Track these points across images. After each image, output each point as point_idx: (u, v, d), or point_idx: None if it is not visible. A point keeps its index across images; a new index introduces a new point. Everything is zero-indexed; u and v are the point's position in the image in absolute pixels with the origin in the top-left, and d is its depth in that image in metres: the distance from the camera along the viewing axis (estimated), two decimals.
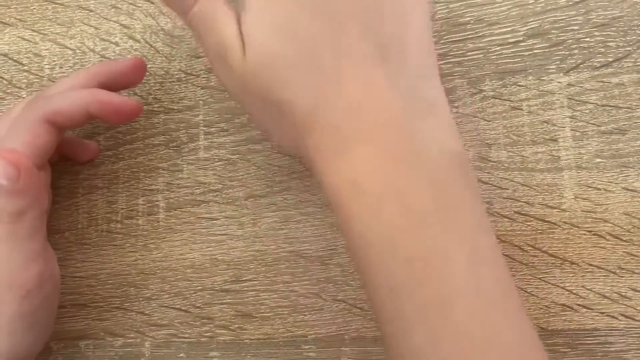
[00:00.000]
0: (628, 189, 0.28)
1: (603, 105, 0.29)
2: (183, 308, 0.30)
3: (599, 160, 0.28)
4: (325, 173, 0.21)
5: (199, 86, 0.31)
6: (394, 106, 0.21)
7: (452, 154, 0.22)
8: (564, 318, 0.28)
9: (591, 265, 0.28)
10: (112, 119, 0.28)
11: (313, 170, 0.22)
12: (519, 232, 0.28)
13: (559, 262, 0.28)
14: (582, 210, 0.28)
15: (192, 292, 0.30)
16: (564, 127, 0.29)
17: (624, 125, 0.28)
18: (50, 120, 0.26)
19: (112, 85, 0.29)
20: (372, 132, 0.21)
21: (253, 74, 0.21)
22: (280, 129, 0.23)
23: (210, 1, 0.22)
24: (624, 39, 0.29)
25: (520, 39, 0.29)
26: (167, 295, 0.30)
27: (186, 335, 0.30)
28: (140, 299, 0.30)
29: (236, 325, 0.29)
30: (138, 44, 0.32)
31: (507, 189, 0.29)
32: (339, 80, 0.21)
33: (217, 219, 0.30)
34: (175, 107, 0.31)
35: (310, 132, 0.21)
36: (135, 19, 0.32)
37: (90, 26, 0.33)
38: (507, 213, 0.29)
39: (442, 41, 0.30)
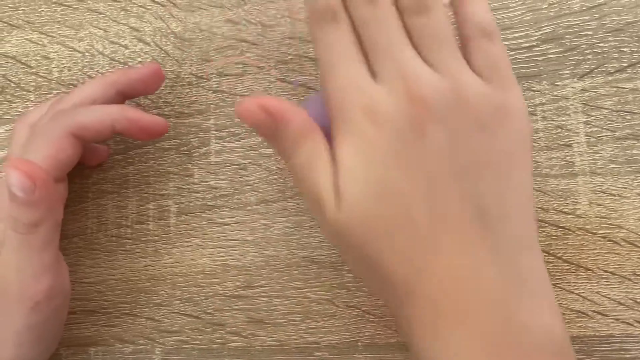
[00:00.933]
0: None
1: (617, 111, 0.29)
2: (194, 314, 0.30)
3: (613, 165, 0.28)
4: (422, 348, 0.20)
5: (210, 90, 0.31)
6: (494, 283, 0.20)
7: (552, 339, 0.20)
8: (579, 324, 0.27)
9: (606, 271, 0.28)
10: (138, 137, 0.28)
11: (408, 339, 0.21)
12: None
13: (574, 268, 0.28)
14: (596, 216, 0.28)
15: (203, 298, 0.30)
16: (579, 132, 0.29)
17: (638, 130, 0.28)
18: (76, 134, 0.26)
19: (130, 92, 0.29)
20: (470, 313, 0.20)
21: (347, 229, 0.21)
22: (374, 284, 0.22)
23: (311, 148, 0.22)
24: (638, 44, 0.29)
25: (534, 43, 0.29)
26: (178, 301, 0.30)
27: (197, 342, 0.29)
28: (151, 305, 0.30)
29: (248, 332, 0.29)
30: (148, 47, 0.32)
31: None
32: (436, 248, 0.20)
33: (229, 224, 0.30)
34: (186, 111, 0.31)
35: (406, 301, 0.20)
36: (145, 22, 0.32)
37: (100, 29, 0.32)
38: None
39: None
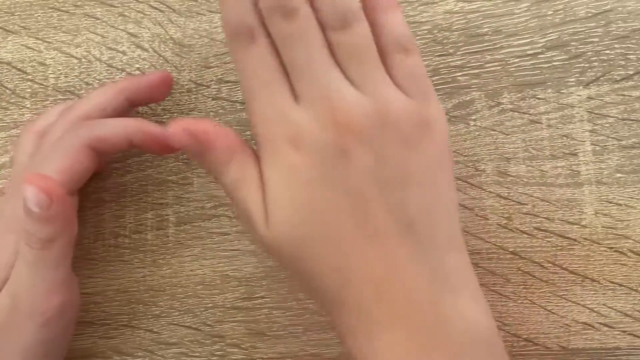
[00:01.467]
0: None
1: (624, 119, 0.28)
2: (193, 326, 0.29)
3: (619, 175, 0.28)
4: (359, 355, 0.21)
5: (209, 97, 0.31)
6: (420, 286, 0.21)
7: (479, 331, 0.21)
8: (585, 337, 0.27)
9: (612, 282, 0.27)
10: (154, 151, 0.28)
11: (343, 345, 0.22)
12: (538, 249, 0.28)
13: (580, 279, 0.27)
14: (602, 227, 0.28)
15: (202, 309, 0.29)
16: (584, 141, 0.28)
17: None
18: (93, 147, 0.26)
19: (139, 99, 0.29)
20: (399, 316, 0.21)
21: (276, 246, 0.21)
22: (312, 296, 0.23)
23: (239, 169, 0.22)
24: None
25: (539, 50, 0.29)
26: (177, 313, 0.29)
27: (196, 354, 0.29)
28: (149, 316, 0.29)
29: (248, 344, 0.29)
30: (146, 53, 0.31)
31: (527, 205, 0.28)
32: (363, 258, 0.21)
33: (229, 234, 0.29)
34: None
35: (340, 310, 0.21)
36: (143, 28, 0.32)
37: (97, 34, 0.32)
38: (526, 229, 0.28)
39: (459, 52, 0.29)
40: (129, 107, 0.29)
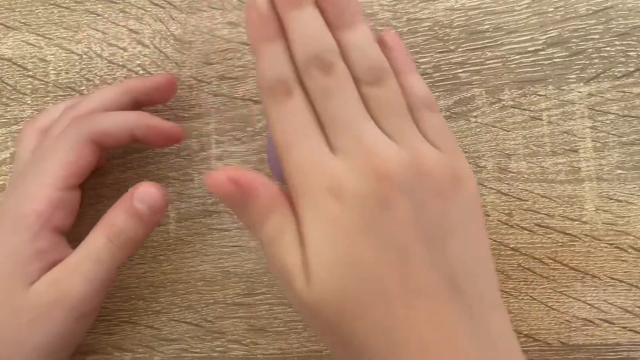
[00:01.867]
0: None
1: (624, 116, 0.28)
2: (194, 322, 0.29)
3: (620, 171, 0.28)
4: None
5: (210, 93, 0.31)
6: (470, 349, 0.20)
7: None
8: (585, 333, 0.27)
9: (613, 278, 0.27)
10: (156, 143, 0.28)
11: None
12: (539, 245, 0.28)
13: (580, 275, 0.27)
14: (603, 223, 0.28)
15: (203, 305, 0.29)
16: (585, 137, 0.28)
17: None
18: (96, 141, 0.26)
19: (144, 100, 0.29)
20: None
21: (319, 307, 0.20)
22: (350, 357, 0.21)
23: (279, 222, 0.21)
24: None
25: (540, 47, 0.29)
26: (178, 309, 0.29)
27: (197, 350, 0.29)
28: (150, 312, 0.29)
29: (249, 340, 0.29)
30: (147, 50, 0.31)
31: (527, 201, 0.28)
32: (412, 319, 0.20)
33: (229, 230, 0.29)
34: (186, 115, 0.31)
35: None
36: (144, 24, 0.32)
37: (98, 31, 0.32)
38: (527, 225, 0.28)
39: (460, 49, 0.29)
40: (135, 108, 0.29)
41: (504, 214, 0.28)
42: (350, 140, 0.21)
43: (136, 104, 0.29)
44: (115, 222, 0.25)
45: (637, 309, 0.27)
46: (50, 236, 0.25)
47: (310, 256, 0.20)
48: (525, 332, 0.27)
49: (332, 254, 0.20)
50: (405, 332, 0.20)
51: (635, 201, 0.28)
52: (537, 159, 0.28)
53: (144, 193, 0.25)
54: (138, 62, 0.31)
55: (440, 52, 0.29)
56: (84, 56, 0.32)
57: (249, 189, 0.21)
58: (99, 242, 0.25)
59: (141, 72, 0.31)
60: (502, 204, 0.28)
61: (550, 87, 0.29)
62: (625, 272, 0.27)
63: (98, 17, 0.32)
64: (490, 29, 0.29)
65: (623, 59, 0.28)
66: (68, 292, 0.25)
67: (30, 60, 0.32)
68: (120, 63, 0.31)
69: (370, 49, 0.22)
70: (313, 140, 0.21)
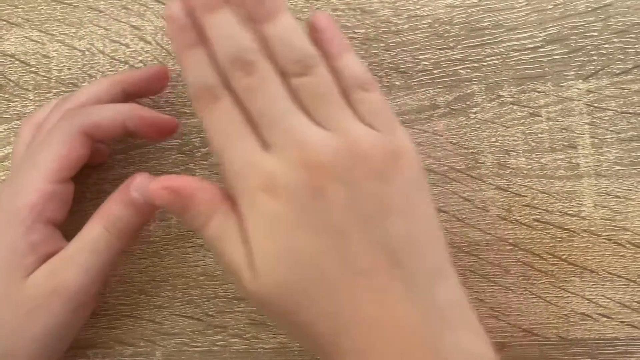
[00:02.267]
0: None
1: (623, 112, 0.28)
2: (195, 316, 0.29)
3: (618, 167, 0.28)
4: None
5: None
6: (416, 326, 0.20)
7: None
8: (583, 327, 0.27)
9: (611, 274, 0.27)
10: (149, 135, 0.28)
11: None
12: (538, 240, 0.28)
13: (579, 270, 0.28)
14: (601, 218, 0.28)
15: (204, 299, 0.29)
16: (583, 134, 0.28)
17: None
18: (88, 133, 0.26)
19: (135, 92, 0.29)
20: (397, 356, 0.20)
21: (265, 298, 0.21)
22: (305, 345, 0.23)
23: (221, 223, 0.22)
24: None
25: (539, 44, 0.29)
26: (179, 303, 0.29)
27: (198, 344, 0.29)
28: (151, 306, 0.29)
29: (250, 334, 0.29)
30: (149, 46, 0.32)
31: (526, 196, 0.28)
32: (354, 300, 0.20)
33: None
34: (188, 111, 0.31)
35: (336, 354, 0.21)
36: (146, 20, 0.32)
37: (100, 27, 0.32)
38: (526, 221, 0.28)
39: (460, 46, 0.30)
40: (126, 100, 0.29)
41: (503, 209, 0.28)
42: (281, 135, 0.21)
43: (128, 96, 0.29)
44: (112, 211, 0.25)
45: (635, 303, 0.27)
46: (44, 229, 0.26)
47: (255, 252, 0.21)
48: (524, 327, 0.28)
49: (273, 249, 0.21)
50: (350, 313, 0.20)
51: (633, 197, 0.28)
52: (536, 155, 0.29)
53: (141, 183, 0.25)
54: (140, 58, 0.32)
55: (440, 49, 0.30)
56: (87, 52, 0.32)
57: (186, 195, 0.22)
58: (95, 231, 0.25)
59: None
60: (501, 199, 0.28)
61: (549, 83, 0.29)
62: (623, 267, 0.27)
63: (100, 14, 0.32)
64: (490, 26, 0.30)
65: (621, 56, 0.29)
66: (65, 282, 0.25)
67: (33, 57, 0.32)
68: (123, 59, 0.32)
69: (294, 40, 0.22)
70: (245, 141, 0.22)
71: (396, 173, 0.21)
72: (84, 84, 0.32)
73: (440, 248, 0.22)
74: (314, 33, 0.23)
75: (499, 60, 0.29)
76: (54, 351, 0.26)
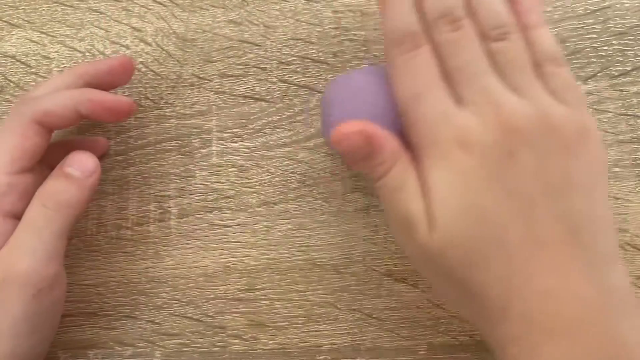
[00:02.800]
0: None
1: (621, 114, 0.28)
2: (195, 317, 0.29)
3: (617, 169, 0.28)
4: None
5: (212, 91, 0.31)
6: (591, 302, 0.20)
7: None
8: None
9: None
10: (104, 118, 0.27)
11: (502, 355, 0.21)
12: None
13: None
14: None
15: (204, 300, 0.29)
16: None
17: None
18: (39, 121, 0.26)
19: (100, 84, 0.28)
20: (569, 330, 0.20)
21: (439, 252, 0.21)
22: (464, 306, 0.22)
23: (401, 173, 0.22)
24: None
25: None
26: (179, 304, 0.29)
27: (198, 345, 0.29)
28: (151, 307, 0.30)
29: (249, 335, 0.29)
30: (149, 47, 0.32)
31: None
32: (532, 268, 0.20)
33: (230, 226, 0.30)
34: (188, 112, 0.31)
35: (502, 320, 0.20)
36: (146, 22, 0.32)
37: (101, 28, 0.32)
38: None
39: None
40: None
41: None
42: (477, 93, 0.22)
43: (92, 88, 0.28)
44: (47, 188, 0.25)
45: None
46: (2, 222, 0.25)
47: (436, 205, 0.21)
48: None
49: (458, 203, 0.21)
50: (525, 279, 0.20)
51: (633, 199, 0.28)
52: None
53: (72, 158, 0.25)
54: (140, 59, 0.32)
55: None
56: (87, 54, 0.32)
57: (377, 142, 0.22)
58: (33, 210, 0.25)
59: (143, 69, 0.31)
60: None
61: None
62: None
63: (101, 15, 0.32)
64: None
65: (620, 58, 0.29)
66: (12, 267, 0.24)
67: (34, 58, 0.32)
68: None
69: (496, 5, 0.23)
70: (440, 92, 0.22)
71: (584, 150, 0.21)
72: None
73: (614, 232, 0.22)
74: (512, 4, 0.23)
75: None
76: (32, 346, 0.25)
